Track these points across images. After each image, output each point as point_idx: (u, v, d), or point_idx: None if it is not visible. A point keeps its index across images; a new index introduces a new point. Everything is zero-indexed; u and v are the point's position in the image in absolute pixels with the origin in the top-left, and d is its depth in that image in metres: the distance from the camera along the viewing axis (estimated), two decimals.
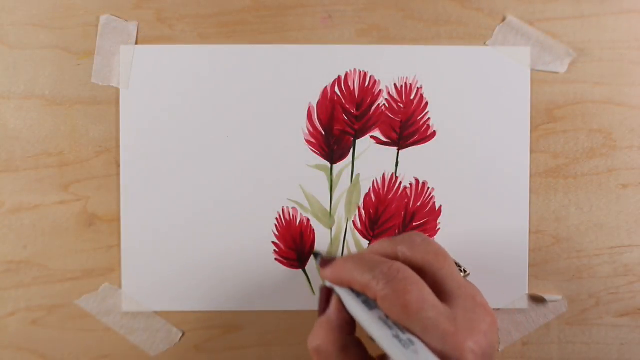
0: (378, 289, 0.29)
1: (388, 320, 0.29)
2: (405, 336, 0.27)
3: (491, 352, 0.28)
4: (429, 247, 0.31)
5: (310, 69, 0.42)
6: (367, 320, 0.29)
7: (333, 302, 0.31)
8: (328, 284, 0.32)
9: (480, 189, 0.42)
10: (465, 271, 0.40)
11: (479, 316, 0.28)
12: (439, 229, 0.42)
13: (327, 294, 0.32)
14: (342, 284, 0.31)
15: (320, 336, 0.30)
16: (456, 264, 0.40)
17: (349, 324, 0.31)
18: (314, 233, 0.42)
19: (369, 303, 0.30)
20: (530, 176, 0.42)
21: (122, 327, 0.42)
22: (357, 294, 0.30)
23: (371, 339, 0.29)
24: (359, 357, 0.30)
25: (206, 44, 0.42)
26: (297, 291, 0.42)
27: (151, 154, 0.42)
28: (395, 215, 0.42)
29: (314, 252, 0.42)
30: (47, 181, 0.42)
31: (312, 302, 0.42)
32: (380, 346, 0.28)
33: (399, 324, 0.28)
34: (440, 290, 0.29)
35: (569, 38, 0.42)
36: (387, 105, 0.42)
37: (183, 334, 0.43)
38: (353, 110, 0.42)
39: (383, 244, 0.32)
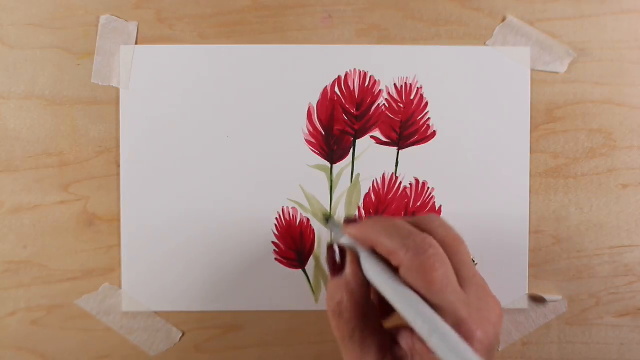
0: (406, 258, 0.28)
1: (410, 289, 0.28)
2: (427, 309, 0.27)
3: (495, 344, 0.28)
4: (447, 232, 0.30)
5: (310, 69, 0.42)
6: (391, 286, 0.28)
7: (349, 264, 0.30)
8: (346, 242, 0.31)
9: (480, 189, 0.42)
10: (473, 261, 0.39)
11: (490, 306, 0.28)
12: None
13: (339, 253, 0.31)
14: (364, 244, 0.30)
15: (341, 298, 0.29)
16: None
17: (366, 287, 0.30)
18: (314, 233, 0.42)
19: (390, 268, 0.29)
20: (530, 176, 0.42)
21: (122, 327, 0.42)
22: (378, 257, 0.29)
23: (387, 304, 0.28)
24: (377, 326, 0.30)
25: (206, 44, 0.42)
26: (297, 291, 0.42)
27: (151, 154, 0.42)
28: (395, 215, 0.42)
29: (326, 215, 0.41)
30: (47, 181, 0.42)
31: (313, 303, 0.42)
32: (402, 313, 0.28)
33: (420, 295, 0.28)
34: (457, 276, 0.29)
35: (569, 38, 0.42)
36: (387, 105, 0.42)
37: (183, 334, 0.43)
38: (353, 110, 0.42)
39: (401, 225, 0.30)
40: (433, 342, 0.26)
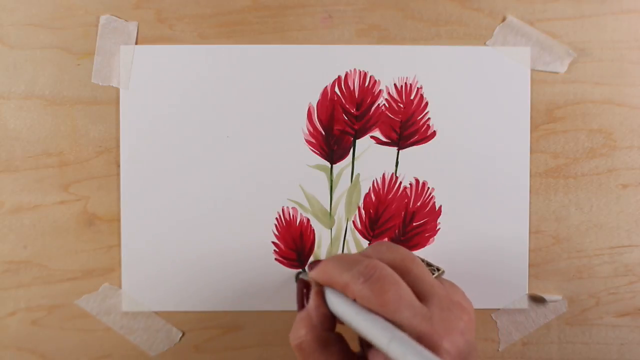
0: (357, 288, 0.28)
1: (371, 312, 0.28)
2: (386, 323, 0.27)
3: (468, 350, 0.28)
4: (396, 253, 0.31)
5: (310, 69, 0.42)
6: (352, 312, 0.28)
7: (312, 297, 0.31)
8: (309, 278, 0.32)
9: (480, 188, 0.42)
10: (438, 269, 0.39)
11: (455, 314, 0.28)
12: (439, 228, 0.42)
13: (304, 287, 0.31)
14: (325, 284, 0.31)
15: (302, 333, 0.30)
16: (428, 263, 0.40)
17: (329, 319, 0.30)
18: (314, 233, 0.42)
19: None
20: (530, 176, 0.42)
21: (122, 327, 0.42)
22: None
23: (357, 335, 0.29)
24: (342, 353, 0.30)
25: (206, 44, 0.42)
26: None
27: (151, 154, 0.42)
28: (395, 215, 0.42)
29: (296, 273, 0.42)
30: (47, 181, 0.42)
31: None
32: (366, 336, 0.28)
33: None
34: (414, 292, 0.29)
35: (569, 38, 0.42)
36: (387, 105, 0.42)
37: (183, 334, 0.43)
38: (353, 110, 0.42)
39: (351, 257, 0.31)
40: (392, 349, 0.26)
